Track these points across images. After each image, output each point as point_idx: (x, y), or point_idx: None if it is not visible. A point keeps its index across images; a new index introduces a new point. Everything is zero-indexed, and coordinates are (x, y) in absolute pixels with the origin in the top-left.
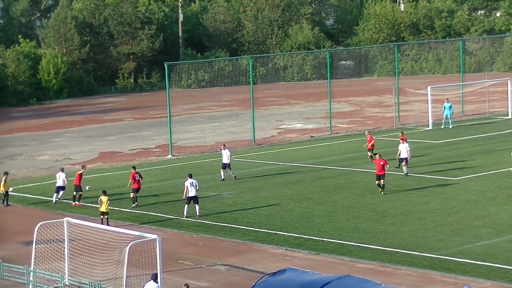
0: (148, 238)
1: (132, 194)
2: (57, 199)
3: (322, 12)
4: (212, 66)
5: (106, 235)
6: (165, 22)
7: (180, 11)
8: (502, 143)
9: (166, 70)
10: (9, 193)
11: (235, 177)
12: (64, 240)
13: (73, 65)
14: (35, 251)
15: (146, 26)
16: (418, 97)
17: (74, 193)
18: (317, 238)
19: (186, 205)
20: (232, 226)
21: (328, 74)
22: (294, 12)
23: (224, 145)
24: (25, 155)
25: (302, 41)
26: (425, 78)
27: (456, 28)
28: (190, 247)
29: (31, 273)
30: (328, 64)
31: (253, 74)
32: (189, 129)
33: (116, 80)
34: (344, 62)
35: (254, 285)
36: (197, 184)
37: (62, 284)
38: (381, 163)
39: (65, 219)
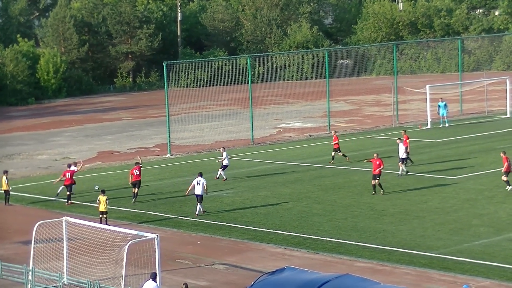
0: (147, 237)
1: (134, 189)
2: (59, 193)
3: (321, 11)
4: (210, 65)
5: (105, 234)
6: (164, 21)
7: (178, 10)
8: (500, 142)
9: (164, 69)
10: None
11: (217, 177)
12: (62, 239)
13: (72, 64)
14: (34, 251)
15: (145, 25)
16: (416, 96)
17: (68, 192)
18: (316, 237)
19: (198, 204)
20: (231, 225)
21: (326, 73)
22: (292, 11)
23: (224, 147)
24: (23, 155)
25: (301, 40)
26: (424, 77)
27: (455, 27)
28: (189, 246)
29: (30, 273)
30: (326, 63)
31: (252, 73)
32: (187, 128)
33: (114, 79)
34: (343, 61)
35: (252, 284)
36: (204, 183)
37: (60, 284)
38: (377, 162)
39: (64, 218)
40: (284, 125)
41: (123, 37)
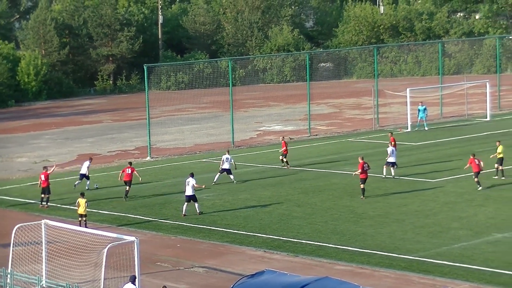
0: (126, 240)
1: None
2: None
3: (302, 14)
4: (191, 68)
5: (84, 237)
6: (145, 24)
7: (159, 13)
8: (480, 145)
9: (145, 72)
10: None
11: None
12: (42, 242)
13: (52, 66)
14: (13, 253)
15: (126, 28)
16: (397, 99)
17: (42, 195)
18: (296, 240)
19: (185, 204)
20: (210, 228)
21: (307, 76)
22: (274, 14)
23: (228, 150)
24: (3, 157)
25: (282, 43)
26: (404, 80)
27: (436, 30)
28: (168, 249)
29: (9, 276)
30: (307, 66)
31: (233, 76)
32: (168, 131)
33: (95, 82)
34: (324, 64)
35: (232, 287)
36: (194, 184)
37: (39, 286)
38: (366, 165)
39: (43, 221)
40: (265, 128)
41: (104, 40)
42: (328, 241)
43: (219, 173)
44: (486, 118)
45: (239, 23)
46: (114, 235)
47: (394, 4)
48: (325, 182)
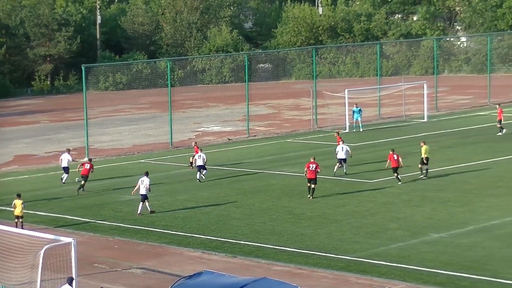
0: (63, 242)
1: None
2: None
3: (241, 14)
4: (130, 69)
5: (21, 238)
6: (83, 24)
7: (98, 13)
8: (417, 146)
9: (83, 72)
10: None
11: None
12: None
13: None
14: None
15: (64, 28)
16: (335, 100)
17: None
18: (234, 241)
19: (141, 203)
20: (149, 229)
21: (246, 76)
22: (213, 14)
23: (201, 149)
24: None
25: (221, 44)
26: (343, 81)
27: (374, 31)
28: (106, 250)
29: None
30: (246, 67)
31: (171, 76)
32: (106, 132)
33: (32, 82)
34: (263, 65)
35: None
36: (147, 183)
37: None
38: (313, 166)
39: None
40: (203, 128)
41: (42, 40)
42: (267, 242)
43: (202, 170)
44: (424, 119)
45: (178, 24)
46: (51, 236)
47: (332, 6)
48: (264, 183)
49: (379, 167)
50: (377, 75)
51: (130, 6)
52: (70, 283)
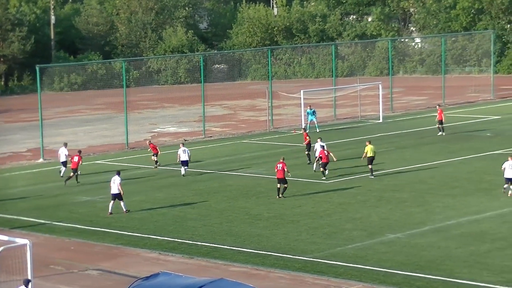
0: (19, 243)
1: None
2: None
3: (196, 15)
4: (85, 69)
5: None
6: (37, 24)
7: (52, 13)
8: (374, 146)
9: (37, 72)
10: None
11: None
12: None
13: None
14: None
15: (17, 28)
16: (291, 101)
17: None
18: (191, 242)
19: (111, 202)
20: (105, 231)
21: (201, 77)
22: (168, 15)
23: (183, 143)
24: None
25: (176, 45)
26: (298, 82)
27: (329, 32)
28: (62, 252)
29: None
30: (201, 67)
31: (127, 77)
32: (61, 133)
33: None
34: (218, 66)
35: None
36: (119, 182)
37: None
38: (280, 166)
39: None
40: (159, 129)
41: None
42: (223, 243)
43: (183, 167)
44: (379, 119)
45: (133, 24)
46: (6, 238)
47: (287, 6)
48: (220, 183)
49: (335, 168)
50: (332, 76)
51: (84, 6)
52: (26, 285)
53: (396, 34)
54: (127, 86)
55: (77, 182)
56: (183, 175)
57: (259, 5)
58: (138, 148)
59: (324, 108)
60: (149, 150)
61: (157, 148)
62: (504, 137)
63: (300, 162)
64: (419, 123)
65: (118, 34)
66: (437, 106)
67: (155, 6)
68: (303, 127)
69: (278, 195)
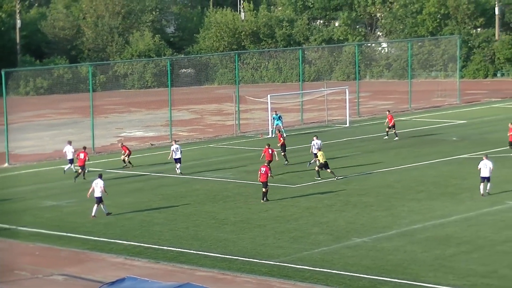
0: None
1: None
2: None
3: (163, 19)
4: (51, 73)
5: None
6: (2, 28)
7: (17, 17)
8: (340, 150)
9: (3, 77)
10: None
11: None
12: None
13: None
14: None
15: None
16: (258, 105)
17: None
18: (157, 247)
19: (95, 205)
20: (71, 235)
21: (168, 82)
22: (135, 19)
23: (175, 140)
24: None
25: (143, 49)
26: (266, 86)
27: (296, 37)
28: (27, 257)
29: None
30: (169, 72)
31: (93, 81)
32: (27, 137)
33: None
34: (185, 70)
35: None
36: (102, 185)
37: None
38: (263, 169)
39: None
40: (126, 134)
41: None
42: (190, 247)
43: (176, 164)
44: (346, 124)
45: (100, 28)
46: None
47: (255, 11)
48: (187, 188)
49: (301, 172)
50: (299, 81)
51: (50, 10)
52: None
53: (363, 39)
54: (94, 91)
55: (84, 179)
56: (179, 173)
57: (226, 10)
58: (104, 153)
59: (291, 113)
60: (123, 153)
61: (129, 149)
62: (470, 141)
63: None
64: (385, 127)
65: (84, 38)
66: (387, 112)
67: (122, 11)
68: (277, 129)
69: (265, 199)
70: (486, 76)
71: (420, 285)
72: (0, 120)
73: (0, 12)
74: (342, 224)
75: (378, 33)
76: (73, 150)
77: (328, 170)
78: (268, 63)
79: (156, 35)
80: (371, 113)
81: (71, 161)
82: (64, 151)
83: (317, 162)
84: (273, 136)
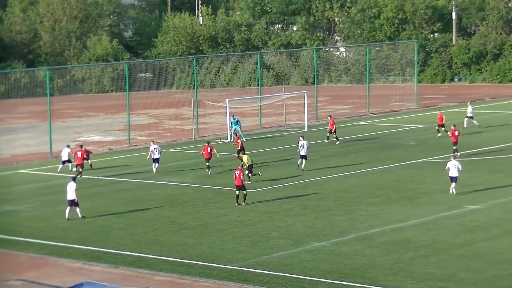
0: None
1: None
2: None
3: (121, 24)
4: (8, 78)
5: None
6: None
7: None
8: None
9: None
10: None
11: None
12: None
13: None
14: None
15: None
16: (216, 109)
17: None
18: (116, 251)
19: (68, 207)
20: (28, 241)
21: (126, 86)
22: (92, 23)
23: (153, 141)
24: None
25: (101, 53)
26: (224, 90)
27: (255, 41)
28: None
29: None
30: (126, 76)
31: (51, 85)
32: None
33: None
34: (143, 75)
35: None
36: (74, 188)
37: None
38: (237, 173)
39: None
40: (84, 138)
41: None
42: (149, 252)
43: (155, 163)
44: (304, 128)
45: (57, 33)
46: None
47: (213, 15)
48: (146, 192)
49: (260, 176)
50: (258, 85)
51: (7, 14)
52: None
53: (321, 43)
54: (51, 95)
55: (80, 176)
56: (156, 172)
57: (184, 14)
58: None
59: (250, 117)
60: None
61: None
62: (428, 145)
63: (225, 170)
64: (343, 132)
65: (42, 43)
66: (329, 117)
67: (80, 15)
68: (234, 133)
69: (237, 202)
70: (443, 81)
71: None
72: None
73: None
74: (301, 229)
75: (336, 37)
76: (69, 151)
77: (250, 174)
78: (227, 67)
79: (114, 39)
80: None
81: (64, 162)
82: (61, 154)
83: (244, 165)
84: (231, 140)
